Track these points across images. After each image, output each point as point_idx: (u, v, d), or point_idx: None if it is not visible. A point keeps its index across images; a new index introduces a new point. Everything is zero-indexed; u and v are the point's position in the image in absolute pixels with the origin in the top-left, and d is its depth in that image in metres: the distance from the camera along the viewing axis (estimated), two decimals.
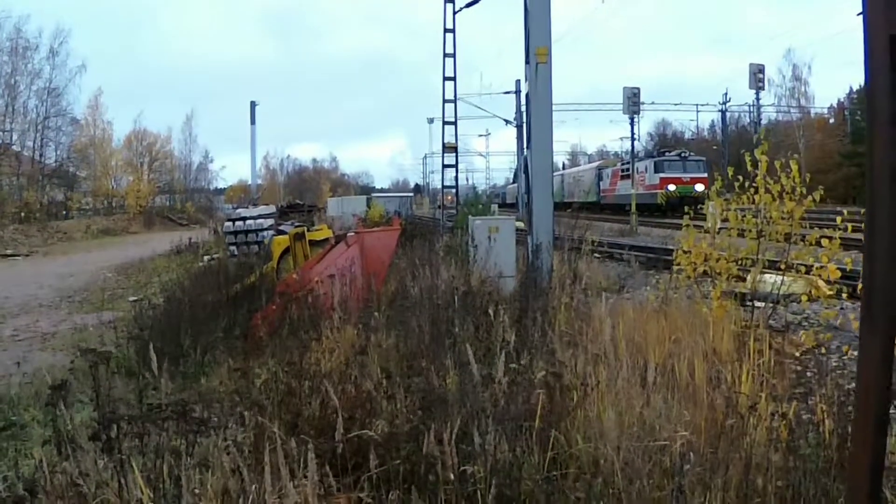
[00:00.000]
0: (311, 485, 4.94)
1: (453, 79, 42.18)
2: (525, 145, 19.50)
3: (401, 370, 8.56)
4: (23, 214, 76.71)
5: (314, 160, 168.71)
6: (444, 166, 44.45)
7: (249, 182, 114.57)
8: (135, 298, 23.94)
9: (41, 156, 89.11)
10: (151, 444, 5.83)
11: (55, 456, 6.00)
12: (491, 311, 9.92)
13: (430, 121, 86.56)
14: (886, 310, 2.31)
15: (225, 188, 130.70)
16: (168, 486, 5.22)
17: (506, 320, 9.18)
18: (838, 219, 10.72)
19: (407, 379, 7.91)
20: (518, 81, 58.77)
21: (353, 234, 17.92)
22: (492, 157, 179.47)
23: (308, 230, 21.31)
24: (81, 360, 7.82)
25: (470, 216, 26.14)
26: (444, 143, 43.88)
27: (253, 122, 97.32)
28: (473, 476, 5.59)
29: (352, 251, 16.16)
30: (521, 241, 19.37)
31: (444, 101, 42.48)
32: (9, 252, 57.91)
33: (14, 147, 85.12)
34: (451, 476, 5.53)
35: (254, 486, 5.05)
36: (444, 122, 43.23)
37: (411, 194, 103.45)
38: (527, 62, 18.13)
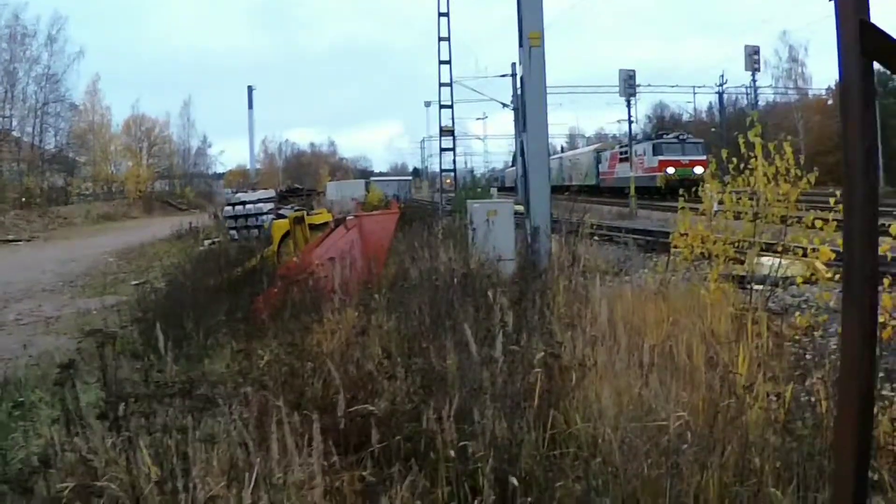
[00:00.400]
0: (316, 454, 5.01)
1: (448, 62, 42.25)
2: (522, 128, 19.56)
3: (401, 351, 8.63)
4: (23, 200, 76.86)
5: (312, 144, 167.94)
6: (442, 150, 44.55)
7: (248, 166, 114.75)
8: (137, 282, 24.02)
9: (41, 141, 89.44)
10: (158, 421, 5.93)
11: (64, 434, 6.09)
12: (490, 294, 9.99)
13: (427, 104, 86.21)
14: (865, 285, 2.39)
15: (224, 173, 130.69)
16: (175, 462, 5.29)
17: (504, 302, 9.23)
18: (831, 200, 10.77)
19: (407, 359, 7.99)
20: (514, 64, 58.68)
21: (352, 217, 17.99)
22: (490, 141, 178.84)
23: (308, 214, 21.40)
24: (88, 340, 7.92)
25: (468, 200, 26.20)
26: (441, 127, 44.00)
27: (251, 106, 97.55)
28: (473, 454, 5.67)
29: (351, 234, 16.22)
30: (520, 225, 19.43)
31: (441, 84, 42.59)
32: (10, 237, 58.06)
33: (14, 133, 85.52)
34: (451, 453, 5.61)
35: (258, 460, 5.13)
36: (441, 106, 43.36)
37: (410, 178, 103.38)
38: (520, 46, 18.21)
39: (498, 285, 11.36)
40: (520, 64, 18.68)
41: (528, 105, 18.22)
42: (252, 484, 4.88)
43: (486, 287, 10.92)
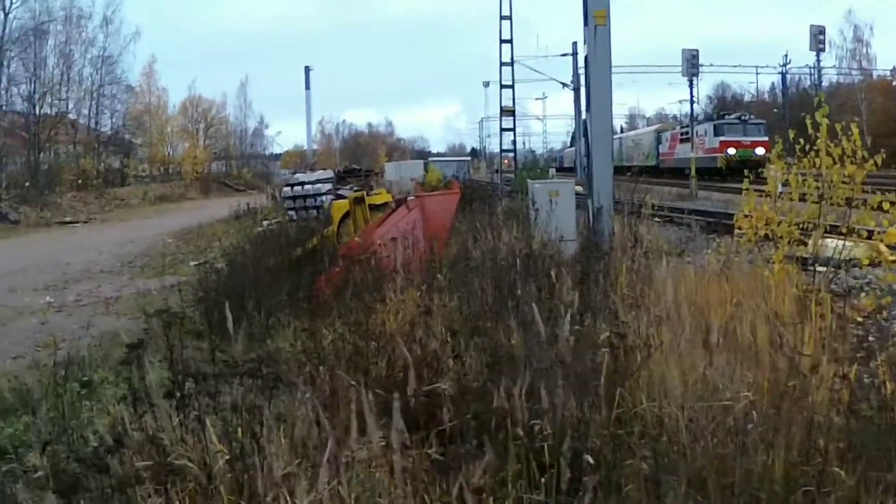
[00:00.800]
0: (395, 433, 5.03)
1: (510, 41, 42.21)
2: (585, 108, 19.48)
3: (465, 330, 8.64)
4: (80, 182, 77.89)
5: (369, 125, 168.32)
6: (502, 130, 44.44)
7: (305, 147, 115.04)
8: (196, 263, 24.28)
9: (97, 123, 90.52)
10: (226, 401, 5.99)
11: (131, 413, 6.17)
12: (553, 274, 10.00)
13: (486, 84, 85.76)
14: None
15: (280, 154, 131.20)
16: (245, 441, 5.35)
17: (569, 282, 9.25)
18: None
19: (472, 339, 8.01)
20: (574, 44, 58.52)
21: (413, 197, 18.05)
22: (548, 121, 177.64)
23: (367, 194, 21.47)
24: (154, 320, 8.01)
25: (529, 180, 26.21)
26: (501, 107, 43.93)
27: (308, 87, 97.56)
28: (542, 431, 5.70)
29: (413, 215, 16.26)
30: (580, 206, 19.39)
31: (501, 63, 42.55)
32: (68, 219, 58.77)
33: (70, 115, 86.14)
34: (521, 432, 5.64)
35: (331, 438, 5.15)
36: (502, 86, 43.30)
37: (469, 158, 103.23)
38: (585, 24, 18.02)
39: (561, 265, 11.36)
40: (584, 43, 18.50)
41: (592, 85, 18.10)
42: (327, 462, 4.90)
43: (548, 267, 10.93)
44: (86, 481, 5.07)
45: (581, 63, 51.07)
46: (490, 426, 5.83)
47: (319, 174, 45.01)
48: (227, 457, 5.33)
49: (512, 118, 44.27)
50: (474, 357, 7.38)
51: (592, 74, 18.13)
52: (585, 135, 19.40)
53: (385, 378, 7.39)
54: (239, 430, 5.56)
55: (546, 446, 5.60)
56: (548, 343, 6.79)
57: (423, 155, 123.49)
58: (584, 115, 19.42)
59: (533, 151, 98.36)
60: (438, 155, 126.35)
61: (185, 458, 5.47)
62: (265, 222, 35.92)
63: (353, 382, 5.98)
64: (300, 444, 5.55)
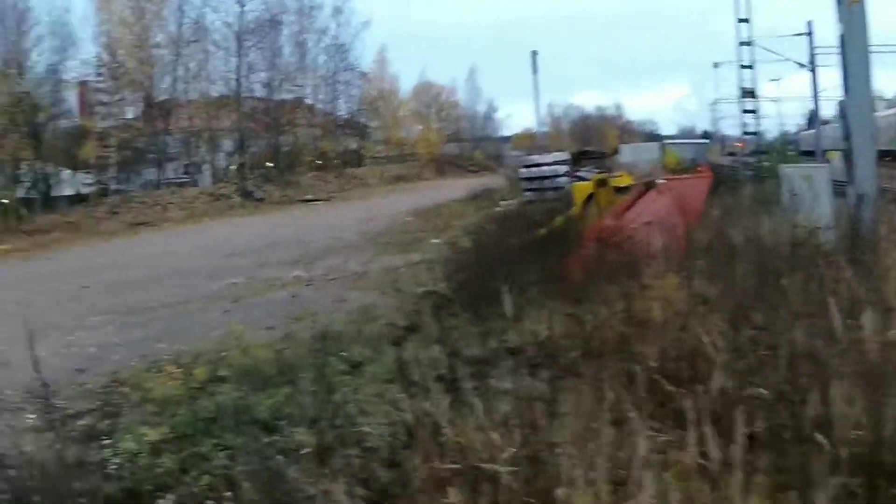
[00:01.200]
0: (738, 447, 4.63)
1: (747, 20, 41.39)
2: (843, 90, 18.69)
3: (739, 322, 8.22)
4: (319, 163, 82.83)
5: (598, 107, 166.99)
6: (744, 111, 43.64)
7: (534, 130, 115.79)
8: (437, 241, 24.46)
9: (333, 108, 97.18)
10: (502, 387, 5.79)
11: (408, 401, 6.02)
12: (821, 264, 9.55)
13: (716, 65, 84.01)
14: None
15: (510, 136, 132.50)
16: (530, 435, 5.09)
17: (848, 274, 8.77)
18: None
19: (745, 332, 7.59)
20: (810, 23, 56.60)
21: (664, 181, 17.71)
22: (781, 103, 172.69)
23: (609, 177, 21.25)
24: (403, 297, 7.96)
25: (781, 164, 25.52)
26: (742, 88, 43.08)
27: (535, 71, 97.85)
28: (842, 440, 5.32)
29: (664, 198, 15.90)
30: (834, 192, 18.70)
31: (740, 43, 41.74)
32: (309, 197, 61.48)
33: (307, 100, 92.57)
34: (825, 441, 5.25)
35: (644, 442, 4.82)
36: (742, 66, 42.47)
37: (707, 141, 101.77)
38: (839, 1, 17.34)
39: (830, 255, 10.87)
40: (839, 21, 17.77)
41: (849, 66, 17.32)
42: (645, 467, 4.58)
43: (814, 257, 10.46)
44: (387, 484, 4.93)
45: (817, 42, 49.51)
46: (798, 433, 5.45)
47: (556, 156, 44.95)
48: (515, 451, 5.04)
49: (752, 100, 43.41)
50: (755, 354, 6.94)
51: (849, 56, 17.38)
52: (844, 118, 18.61)
53: (658, 370, 7.06)
54: (523, 422, 5.29)
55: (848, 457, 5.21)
56: (834, 341, 6.39)
57: (652, 137, 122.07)
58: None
59: (783, 133, 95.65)
60: (670, 137, 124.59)
61: (467, 449, 5.24)
62: (502, 202, 36.14)
63: (670, 388, 5.63)
64: (600, 442, 5.23)
